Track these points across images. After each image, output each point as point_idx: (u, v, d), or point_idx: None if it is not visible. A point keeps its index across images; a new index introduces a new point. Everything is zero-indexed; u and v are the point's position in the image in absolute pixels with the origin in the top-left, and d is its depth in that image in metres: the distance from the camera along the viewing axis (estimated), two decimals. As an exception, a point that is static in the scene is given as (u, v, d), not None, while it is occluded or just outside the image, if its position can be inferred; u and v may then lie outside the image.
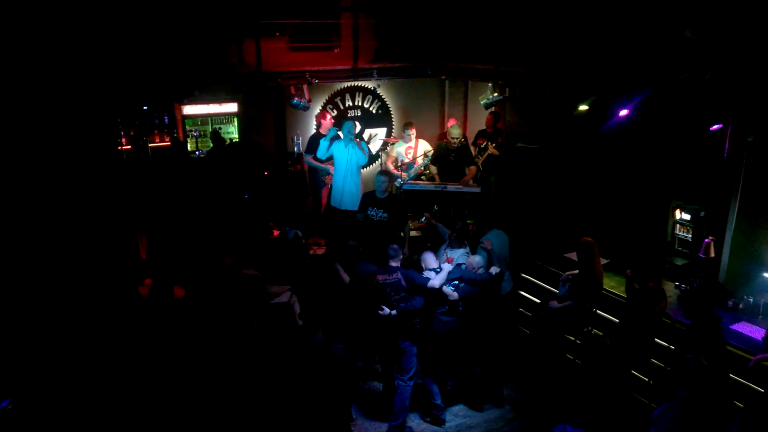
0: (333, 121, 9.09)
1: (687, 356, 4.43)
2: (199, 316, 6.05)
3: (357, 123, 9.94)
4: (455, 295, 5.80)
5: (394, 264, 5.82)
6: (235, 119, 9.44)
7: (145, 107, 8.88)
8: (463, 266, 6.08)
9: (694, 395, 4.22)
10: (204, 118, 9.29)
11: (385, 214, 7.17)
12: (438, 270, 5.86)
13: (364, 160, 8.28)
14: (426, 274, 5.88)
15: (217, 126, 9.27)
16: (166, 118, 9.11)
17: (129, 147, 8.67)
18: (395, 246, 5.93)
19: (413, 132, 9.29)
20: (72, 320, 6.05)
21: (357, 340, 6.49)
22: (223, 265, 6.33)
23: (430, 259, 6.04)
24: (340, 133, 8.41)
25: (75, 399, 5.42)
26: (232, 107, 9.34)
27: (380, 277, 5.76)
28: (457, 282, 5.89)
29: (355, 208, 7.67)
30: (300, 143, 9.69)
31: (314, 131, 9.55)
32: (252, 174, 8.70)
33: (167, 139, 9.06)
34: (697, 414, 4.19)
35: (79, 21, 7.33)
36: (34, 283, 6.14)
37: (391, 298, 5.65)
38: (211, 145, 8.91)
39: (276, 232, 8.18)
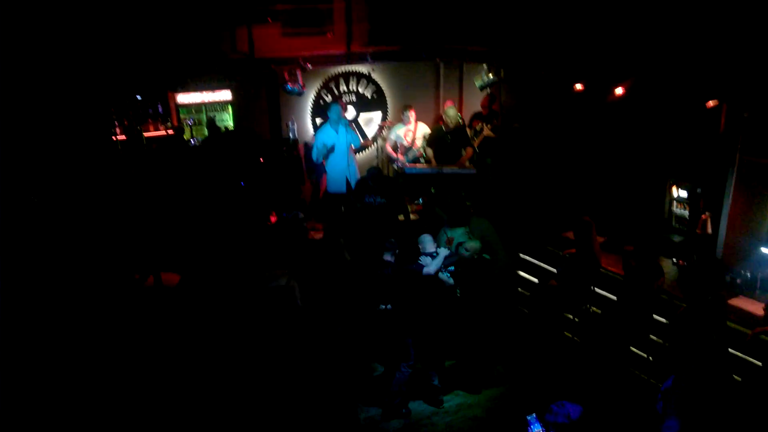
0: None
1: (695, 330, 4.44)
2: (198, 305, 6.08)
3: (350, 107, 9.91)
4: (451, 281, 5.81)
5: (387, 258, 5.86)
6: (229, 107, 9.40)
7: (138, 96, 8.83)
8: (462, 249, 6.06)
9: (703, 369, 4.25)
10: (198, 107, 9.25)
11: (383, 199, 7.21)
12: (435, 254, 5.85)
13: (357, 142, 8.40)
14: (422, 259, 5.88)
15: (212, 114, 9.25)
16: (160, 107, 9.07)
17: (123, 137, 8.63)
18: (392, 240, 5.98)
19: (412, 114, 9.23)
20: (68, 311, 6.07)
21: (357, 327, 6.53)
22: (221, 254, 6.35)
23: (427, 243, 6.04)
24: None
25: (72, 391, 5.45)
26: (225, 95, 9.30)
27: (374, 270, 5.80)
28: (453, 267, 5.88)
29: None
30: (295, 129, 9.65)
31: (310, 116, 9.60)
32: (247, 161, 8.69)
33: (162, 128, 9.03)
34: (707, 387, 4.22)
35: (70, 11, 7.27)
36: (30, 274, 6.15)
37: (385, 291, 5.68)
38: (207, 133, 8.89)
39: (273, 218, 8.18)
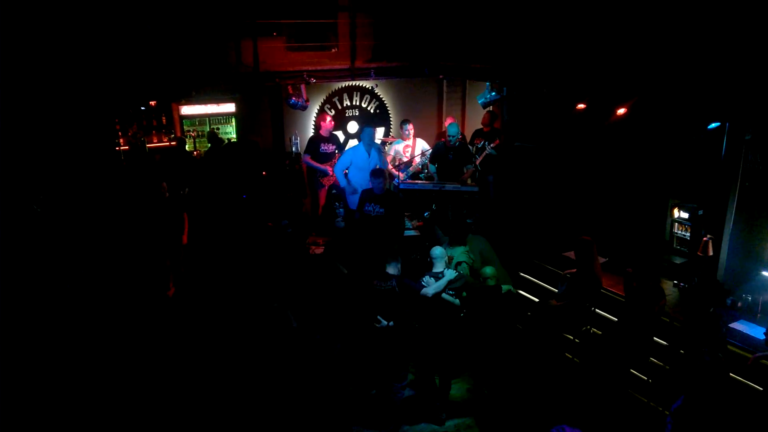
0: (333, 123, 9.07)
1: (702, 349, 4.39)
2: (195, 317, 6.06)
3: (352, 122, 9.91)
4: (456, 302, 5.73)
5: (390, 271, 5.74)
6: (233, 119, 9.44)
7: (142, 107, 8.88)
8: (464, 278, 5.97)
9: (710, 389, 4.20)
10: (202, 119, 9.30)
11: (382, 209, 7.18)
12: (441, 275, 5.78)
13: (385, 166, 8.28)
14: (425, 279, 5.80)
15: (215, 126, 9.29)
16: (164, 118, 9.12)
17: (126, 147, 8.67)
18: (395, 249, 5.91)
19: (411, 129, 9.22)
20: (71, 317, 6.06)
21: (353, 344, 6.47)
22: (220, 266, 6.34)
23: (438, 261, 5.81)
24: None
25: (75, 392, 5.42)
26: (229, 107, 9.35)
27: (375, 282, 5.69)
28: (454, 292, 5.80)
29: None
30: (298, 143, 9.68)
31: (312, 133, 9.58)
32: (250, 174, 8.70)
33: (165, 139, 9.07)
34: (715, 408, 4.16)
35: (77, 21, 7.32)
36: (31, 280, 6.15)
37: (386, 306, 5.60)
38: (209, 145, 8.91)
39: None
